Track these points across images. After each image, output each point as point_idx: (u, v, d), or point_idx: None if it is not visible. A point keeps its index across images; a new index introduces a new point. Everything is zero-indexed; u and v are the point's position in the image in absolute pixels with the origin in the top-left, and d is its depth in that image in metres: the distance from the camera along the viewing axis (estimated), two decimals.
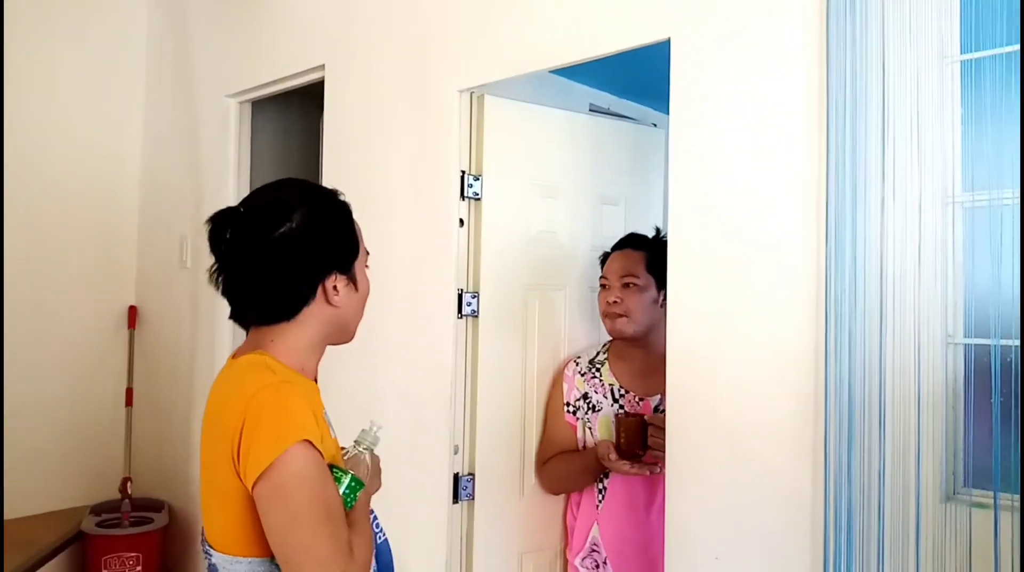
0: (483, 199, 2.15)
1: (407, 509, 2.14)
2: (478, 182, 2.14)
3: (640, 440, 1.90)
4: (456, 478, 2.12)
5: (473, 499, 2.14)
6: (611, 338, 2.17)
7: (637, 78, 2.54)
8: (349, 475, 1.19)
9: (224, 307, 1.25)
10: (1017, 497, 1.23)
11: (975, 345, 1.34)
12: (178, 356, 3.20)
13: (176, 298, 3.22)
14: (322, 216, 1.21)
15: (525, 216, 2.22)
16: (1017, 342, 1.24)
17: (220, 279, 1.20)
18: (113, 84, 3.43)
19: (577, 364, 2.18)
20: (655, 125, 2.63)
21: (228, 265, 1.19)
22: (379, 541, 1.29)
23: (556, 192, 2.27)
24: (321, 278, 1.20)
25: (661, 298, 2.05)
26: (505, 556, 2.18)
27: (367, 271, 1.31)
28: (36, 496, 3.18)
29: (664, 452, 1.80)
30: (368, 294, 1.30)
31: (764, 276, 1.54)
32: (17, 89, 3.13)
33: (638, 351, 2.10)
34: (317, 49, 2.57)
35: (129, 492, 3.12)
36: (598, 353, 2.19)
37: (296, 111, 3.46)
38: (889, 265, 1.35)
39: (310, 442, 1.08)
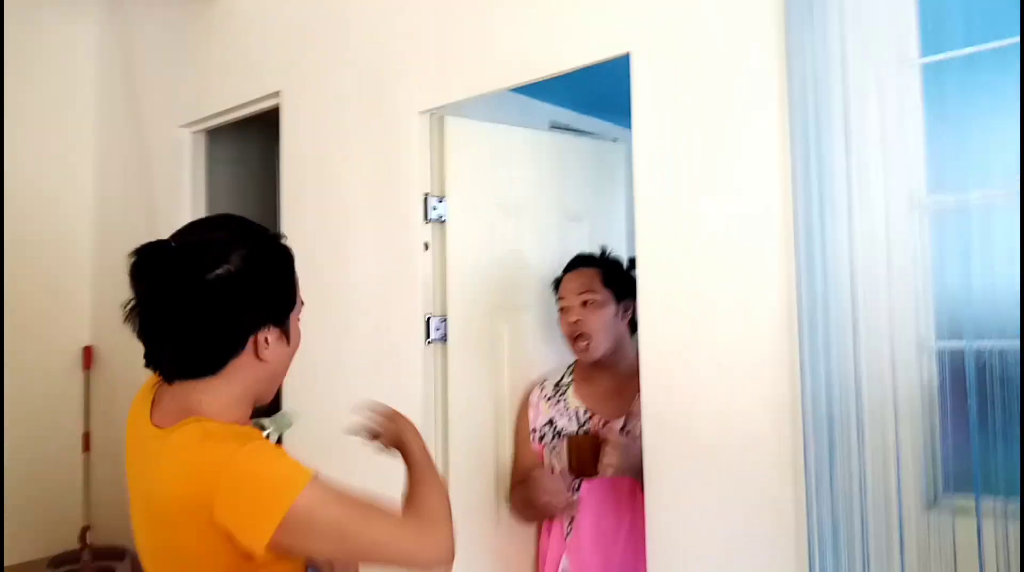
0: (448, 221, 2.11)
1: None
2: (442, 204, 2.11)
3: (592, 459, 1.83)
4: None
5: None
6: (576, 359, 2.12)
7: (597, 94, 2.54)
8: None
9: None
10: (1000, 500, 1.22)
11: (949, 349, 1.33)
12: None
13: (133, 336, 3.11)
14: (262, 261, 1.10)
15: (491, 236, 2.18)
16: (995, 343, 1.24)
17: (138, 319, 1.07)
18: (61, 119, 3.35)
19: (543, 389, 2.12)
20: (615, 140, 2.62)
21: (151, 305, 1.06)
22: None
23: (521, 211, 2.24)
24: (254, 330, 1.09)
25: (622, 311, 2.02)
26: None
27: (299, 324, 1.20)
28: None
29: (616, 470, 1.80)
30: (298, 349, 1.19)
31: (734, 288, 1.52)
32: None
33: (604, 372, 2.04)
34: (271, 75, 2.53)
35: (89, 541, 3.00)
36: (563, 376, 2.13)
37: (252, 139, 3.40)
38: (859, 271, 1.34)
39: (315, 478, 1.01)
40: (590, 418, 2.01)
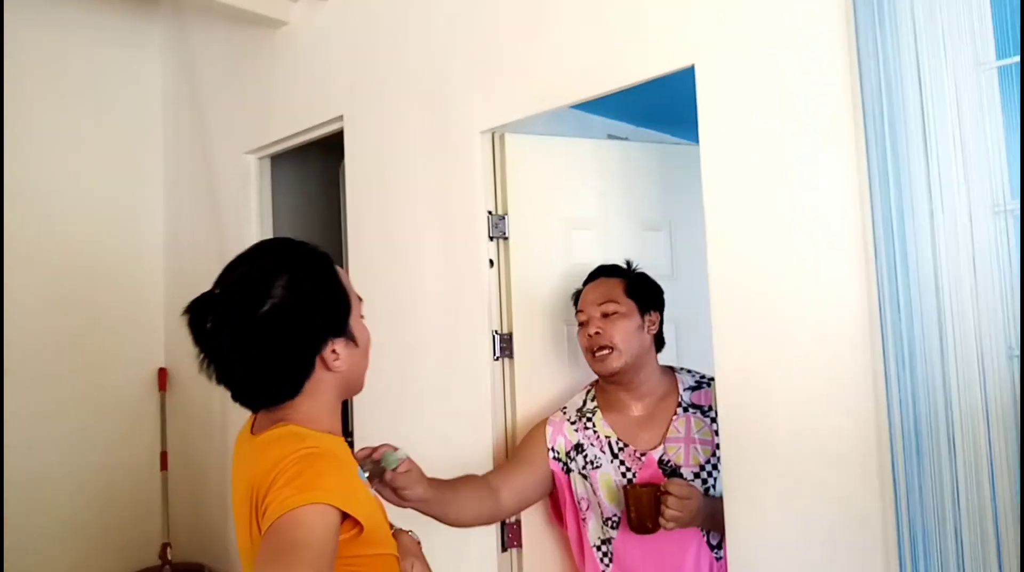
0: (511, 238, 2.13)
1: (454, 558, 2.09)
2: (504, 221, 2.12)
3: (653, 513, 1.69)
4: (503, 525, 2.07)
5: (521, 547, 2.09)
6: (595, 380, 2.00)
7: (654, 106, 2.54)
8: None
9: None
10: None
11: None
12: (210, 416, 3.18)
13: None
14: (306, 281, 1.12)
15: (557, 251, 2.19)
16: None
17: (211, 368, 1.11)
18: (131, 148, 3.46)
19: (565, 412, 1.98)
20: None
21: (215, 355, 1.10)
22: None
23: (588, 224, 2.24)
24: (318, 350, 1.13)
25: (647, 325, 1.90)
26: None
27: (363, 320, 1.23)
28: (74, 565, 3.14)
29: (680, 524, 1.67)
30: (370, 342, 1.22)
31: (812, 299, 1.51)
32: (36, 158, 3.16)
33: (629, 395, 1.91)
34: (334, 100, 2.58)
35: (169, 558, 3.08)
36: (584, 401, 1.98)
37: (314, 161, 3.48)
38: (944, 279, 1.32)
39: (335, 508, 1.00)
40: (623, 448, 1.88)
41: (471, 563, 2.10)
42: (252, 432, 1.20)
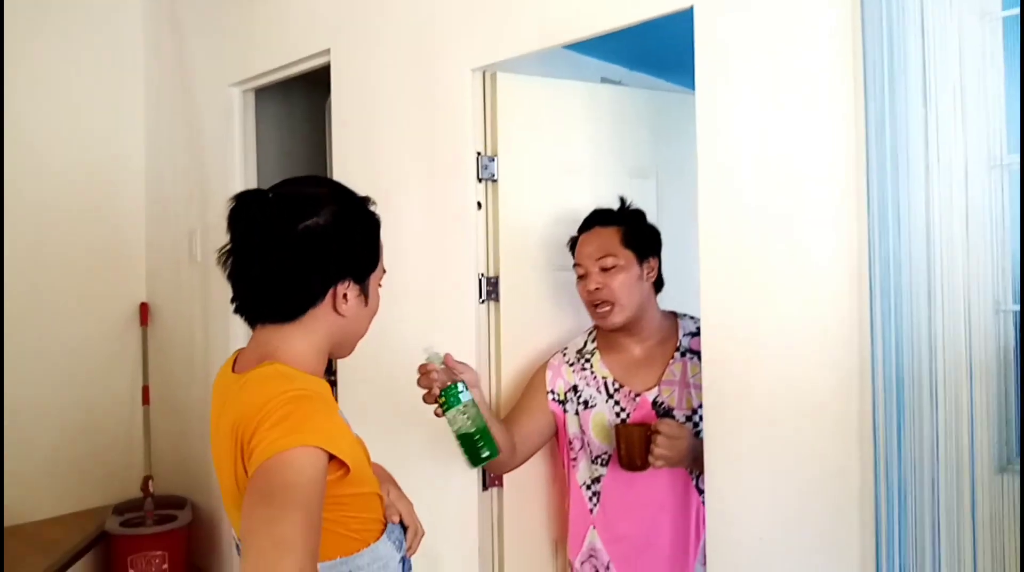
0: (500, 180, 2.09)
1: (436, 497, 2.12)
2: (493, 163, 2.09)
3: (642, 451, 1.73)
4: (485, 468, 2.09)
5: (502, 485, 2.11)
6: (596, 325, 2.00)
7: (649, 49, 2.48)
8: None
9: None
10: None
11: None
12: (192, 351, 3.17)
13: (187, 293, 3.18)
14: (350, 218, 1.18)
15: (546, 195, 2.16)
16: None
17: (230, 262, 1.15)
18: (112, 78, 3.38)
19: (564, 354, 2.01)
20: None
21: (243, 249, 1.14)
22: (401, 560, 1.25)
23: (579, 168, 2.21)
24: (335, 281, 1.16)
25: (646, 273, 1.89)
26: (539, 542, 2.16)
27: (379, 290, 1.28)
28: (57, 498, 3.17)
29: (668, 462, 1.70)
30: (376, 312, 1.27)
31: (802, 249, 1.50)
32: (14, 88, 3.07)
33: (629, 339, 1.93)
34: (321, 33, 2.51)
35: (151, 490, 3.11)
36: (585, 342, 2.01)
37: (299, 96, 3.41)
38: (936, 232, 1.30)
39: (323, 449, 1.01)
40: (619, 389, 1.91)
41: (453, 502, 2.12)
42: (234, 370, 1.19)
